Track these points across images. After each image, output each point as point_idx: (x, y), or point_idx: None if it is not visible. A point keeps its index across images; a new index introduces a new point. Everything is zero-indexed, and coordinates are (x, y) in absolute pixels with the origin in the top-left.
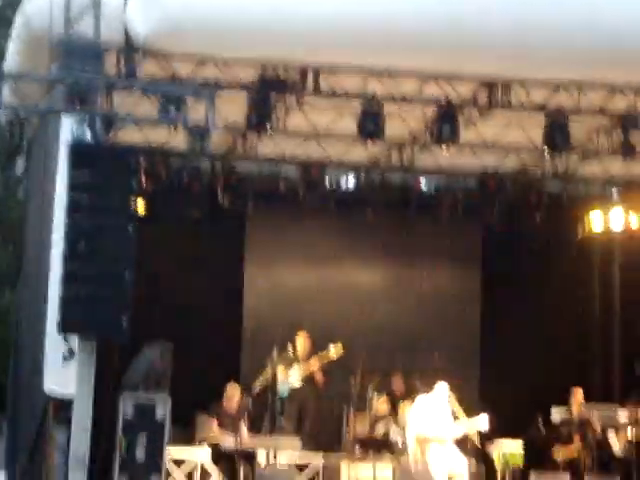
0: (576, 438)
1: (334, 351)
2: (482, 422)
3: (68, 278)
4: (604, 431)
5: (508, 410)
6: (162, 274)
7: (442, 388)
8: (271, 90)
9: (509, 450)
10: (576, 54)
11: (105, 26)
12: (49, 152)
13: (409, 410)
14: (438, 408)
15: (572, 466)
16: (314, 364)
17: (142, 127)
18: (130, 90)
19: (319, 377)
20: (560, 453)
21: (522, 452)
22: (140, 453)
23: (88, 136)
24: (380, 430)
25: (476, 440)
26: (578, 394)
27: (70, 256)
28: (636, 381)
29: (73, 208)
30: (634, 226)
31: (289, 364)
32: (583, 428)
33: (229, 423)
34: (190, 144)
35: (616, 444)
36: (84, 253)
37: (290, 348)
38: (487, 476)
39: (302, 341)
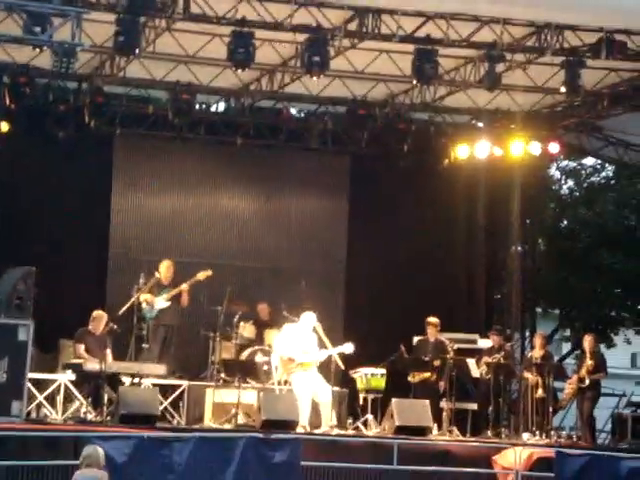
0: (432, 363)
1: (202, 274)
2: (347, 348)
3: None
4: (463, 358)
5: (372, 339)
6: (27, 197)
7: (309, 317)
8: (140, 12)
9: (372, 375)
10: None
11: None
12: None
13: (275, 336)
14: (304, 336)
15: (429, 391)
16: (182, 286)
17: (6, 45)
18: None
19: (185, 298)
20: (415, 377)
21: (384, 377)
22: (1, 377)
23: None
24: (245, 356)
25: (340, 364)
26: (433, 322)
27: None
28: (498, 311)
29: None
30: (498, 154)
31: (155, 290)
32: (437, 353)
33: (95, 347)
34: (55, 64)
35: (475, 370)
36: None
37: (156, 274)
38: (350, 402)
39: (167, 268)
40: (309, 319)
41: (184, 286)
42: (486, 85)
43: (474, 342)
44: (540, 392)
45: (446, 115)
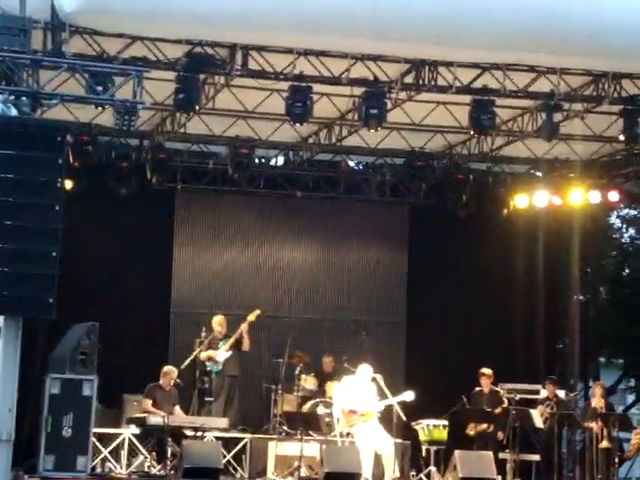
0: (493, 414)
1: (252, 315)
2: (407, 396)
3: None
4: (526, 409)
5: (434, 390)
6: (91, 253)
7: (365, 369)
8: (199, 69)
9: (434, 427)
10: (500, 38)
11: (31, 1)
12: None
13: (336, 389)
14: (362, 387)
15: (489, 442)
16: (239, 330)
17: (69, 105)
18: (57, 67)
19: (246, 342)
20: (472, 430)
21: (446, 429)
22: (66, 432)
23: (14, 113)
24: (307, 408)
25: (402, 415)
26: (486, 373)
27: None
28: (560, 361)
29: None
30: (557, 203)
31: (214, 345)
32: (492, 404)
33: (164, 403)
34: (117, 122)
35: (538, 421)
36: (10, 230)
37: (215, 329)
38: (412, 454)
39: (219, 322)
40: (365, 371)
41: (240, 330)
42: (544, 135)
43: (537, 392)
44: (605, 443)
45: (504, 165)
